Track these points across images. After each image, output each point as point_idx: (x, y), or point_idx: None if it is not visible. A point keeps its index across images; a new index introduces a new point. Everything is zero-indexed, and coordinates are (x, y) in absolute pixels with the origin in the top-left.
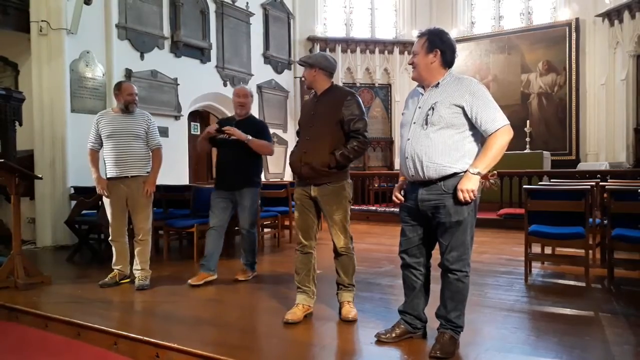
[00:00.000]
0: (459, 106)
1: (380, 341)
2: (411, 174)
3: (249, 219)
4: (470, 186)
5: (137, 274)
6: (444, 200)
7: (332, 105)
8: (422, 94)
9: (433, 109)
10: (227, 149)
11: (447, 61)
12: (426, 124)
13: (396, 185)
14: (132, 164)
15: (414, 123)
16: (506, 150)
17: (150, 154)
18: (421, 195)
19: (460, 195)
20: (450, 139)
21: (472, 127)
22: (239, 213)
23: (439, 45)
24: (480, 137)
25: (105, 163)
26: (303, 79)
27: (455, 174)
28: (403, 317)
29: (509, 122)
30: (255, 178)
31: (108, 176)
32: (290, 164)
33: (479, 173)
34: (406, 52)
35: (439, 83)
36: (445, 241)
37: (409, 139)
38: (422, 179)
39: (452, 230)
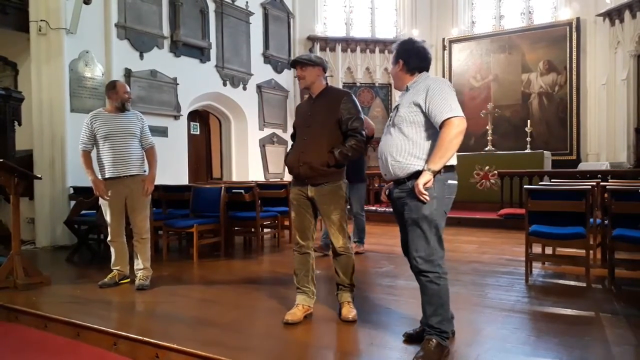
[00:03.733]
0: (416, 104)
1: (407, 340)
2: (384, 173)
3: (359, 206)
4: (420, 181)
5: (139, 273)
6: (407, 198)
7: (329, 105)
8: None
9: (397, 110)
10: None
11: (412, 67)
12: (393, 125)
13: (385, 185)
14: (130, 164)
15: (387, 126)
16: (507, 150)
17: (144, 153)
18: (395, 194)
19: (416, 191)
20: (412, 137)
21: (432, 124)
22: (352, 201)
23: (402, 55)
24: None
25: (101, 164)
26: (300, 79)
27: (419, 172)
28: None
29: (460, 115)
30: (361, 174)
31: (106, 177)
32: (287, 164)
33: (429, 169)
34: None
35: (407, 87)
36: (411, 241)
37: (381, 141)
38: (393, 178)
39: (415, 228)
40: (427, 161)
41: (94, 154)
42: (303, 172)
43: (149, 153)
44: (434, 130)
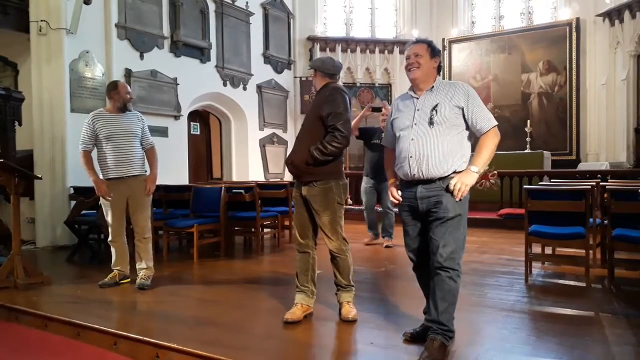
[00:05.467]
0: (459, 107)
1: (407, 340)
2: (412, 173)
3: (389, 201)
4: (469, 181)
5: (141, 272)
6: (441, 197)
7: (317, 102)
8: (417, 98)
9: (436, 110)
10: (375, 149)
11: (440, 69)
12: (431, 124)
13: (389, 186)
14: (133, 164)
15: (416, 124)
16: (507, 150)
17: (144, 153)
18: (420, 193)
19: (457, 187)
20: (454, 139)
21: (467, 127)
22: (383, 197)
23: (438, 54)
24: (471, 137)
25: (104, 165)
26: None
27: (454, 172)
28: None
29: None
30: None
31: (109, 177)
32: (285, 164)
33: (476, 171)
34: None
35: (433, 87)
36: (439, 237)
37: (412, 139)
38: (423, 178)
39: (447, 225)
40: (471, 162)
41: (94, 155)
42: (290, 171)
43: (150, 153)
44: (468, 133)
